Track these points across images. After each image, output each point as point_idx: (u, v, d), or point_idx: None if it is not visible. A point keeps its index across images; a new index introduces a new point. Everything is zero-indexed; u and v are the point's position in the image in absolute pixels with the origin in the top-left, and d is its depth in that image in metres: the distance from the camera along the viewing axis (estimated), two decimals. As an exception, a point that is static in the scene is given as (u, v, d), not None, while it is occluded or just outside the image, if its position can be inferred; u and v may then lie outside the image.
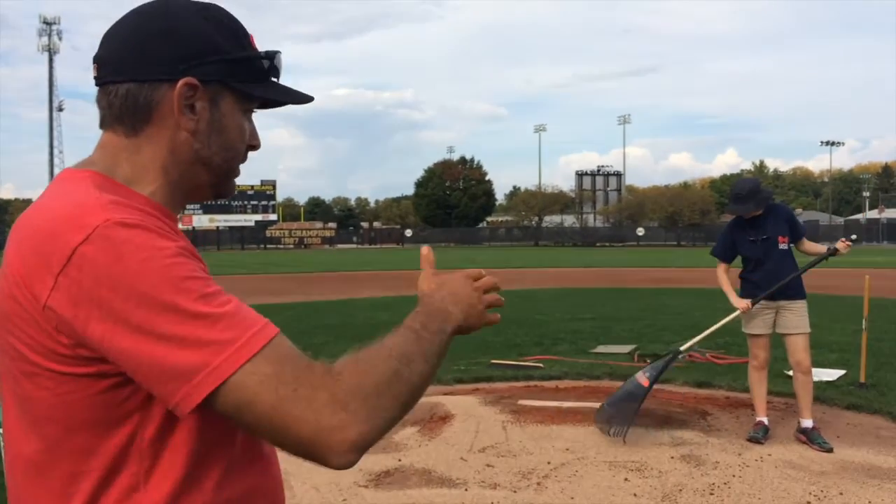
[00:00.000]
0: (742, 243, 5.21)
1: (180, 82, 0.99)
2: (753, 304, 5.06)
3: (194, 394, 0.84)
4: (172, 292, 0.84)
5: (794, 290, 5.07)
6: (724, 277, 5.28)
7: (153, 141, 1.02)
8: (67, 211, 0.90)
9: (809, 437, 4.94)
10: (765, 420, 5.15)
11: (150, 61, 0.99)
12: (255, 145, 1.13)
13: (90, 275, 0.84)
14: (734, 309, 5.22)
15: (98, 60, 1.03)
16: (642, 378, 5.19)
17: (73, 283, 0.84)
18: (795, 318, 5.06)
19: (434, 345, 1.01)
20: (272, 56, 1.09)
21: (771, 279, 5.04)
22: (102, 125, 1.04)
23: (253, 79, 1.07)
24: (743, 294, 5.22)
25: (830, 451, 4.79)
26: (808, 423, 5.01)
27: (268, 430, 0.86)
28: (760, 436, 5.02)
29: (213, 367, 0.83)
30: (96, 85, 1.03)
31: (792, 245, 5.16)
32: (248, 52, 1.06)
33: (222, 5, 1.09)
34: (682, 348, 5.42)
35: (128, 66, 0.99)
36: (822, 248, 5.34)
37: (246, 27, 1.10)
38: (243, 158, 1.13)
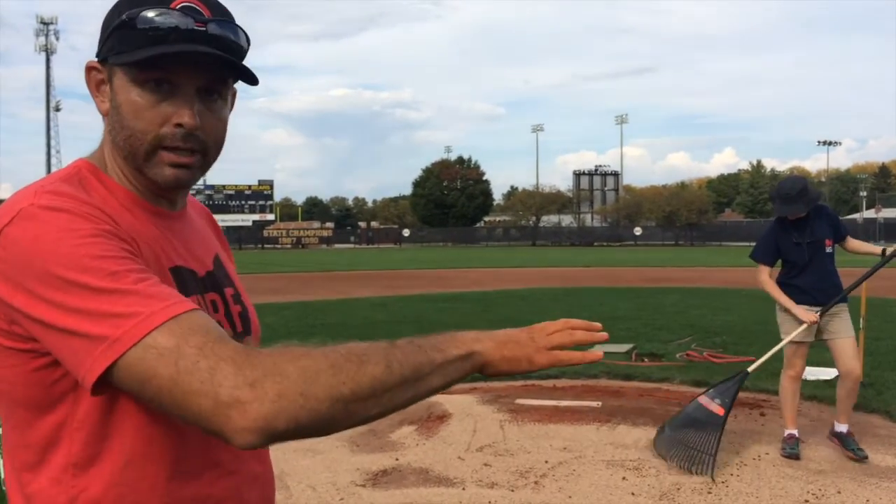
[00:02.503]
0: (786, 246, 4.89)
1: (85, 67, 1.06)
2: (822, 316, 4.73)
3: (95, 367, 0.84)
4: (79, 270, 0.86)
5: (837, 294, 4.81)
6: (773, 284, 4.94)
7: (105, 130, 1.08)
8: (15, 197, 0.96)
9: (843, 442, 4.78)
10: (796, 433, 4.85)
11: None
12: (181, 124, 1.00)
13: (12, 253, 0.89)
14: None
15: None
16: (712, 405, 4.68)
17: (1, 261, 0.89)
18: (841, 321, 4.80)
19: (413, 355, 0.91)
20: (133, 16, 0.97)
21: (816, 284, 4.80)
22: None
23: (137, 46, 0.97)
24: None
25: (865, 458, 4.61)
26: (843, 427, 4.85)
27: (171, 406, 0.83)
28: (798, 450, 4.73)
29: (112, 340, 0.83)
30: None
31: (836, 246, 4.90)
32: (114, 22, 1.00)
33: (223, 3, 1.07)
34: (749, 370, 4.93)
35: None
36: (871, 246, 5.09)
37: None
38: (168, 140, 1.01)
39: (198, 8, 1.00)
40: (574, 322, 1.06)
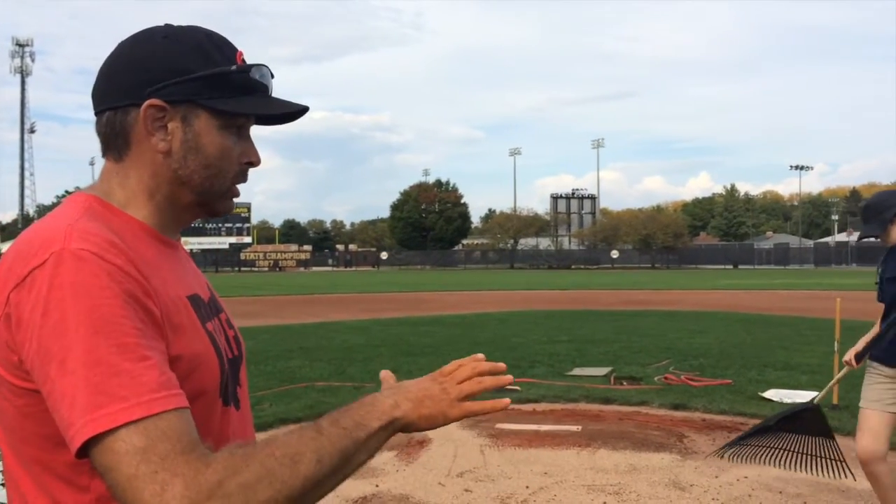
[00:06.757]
0: (880, 280, 3.76)
1: (144, 105, 1.04)
2: (859, 362, 3.74)
3: (76, 437, 0.85)
4: (90, 332, 0.87)
5: None
6: (877, 324, 3.82)
7: (136, 165, 1.08)
8: (43, 234, 0.94)
9: None
10: None
11: (120, 89, 1.06)
12: (252, 162, 1.14)
13: (35, 297, 0.89)
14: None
15: (91, 93, 1.10)
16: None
17: (21, 301, 0.90)
18: None
19: (340, 440, 0.93)
20: (246, 70, 1.08)
21: None
22: (102, 153, 1.11)
23: (226, 94, 1.07)
24: (871, 351, 3.78)
25: None
26: None
27: (121, 500, 0.84)
28: None
29: (90, 419, 0.84)
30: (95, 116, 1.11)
31: None
32: (215, 69, 1.06)
33: (202, 23, 1.12)
34: (814, 399, 4.13)
35: (105, 95, 1.08)
36: None
37: (234, 44, 1.12)
38: (240, 177, 1.13)
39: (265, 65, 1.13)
40: (481, 367, 1.09)
